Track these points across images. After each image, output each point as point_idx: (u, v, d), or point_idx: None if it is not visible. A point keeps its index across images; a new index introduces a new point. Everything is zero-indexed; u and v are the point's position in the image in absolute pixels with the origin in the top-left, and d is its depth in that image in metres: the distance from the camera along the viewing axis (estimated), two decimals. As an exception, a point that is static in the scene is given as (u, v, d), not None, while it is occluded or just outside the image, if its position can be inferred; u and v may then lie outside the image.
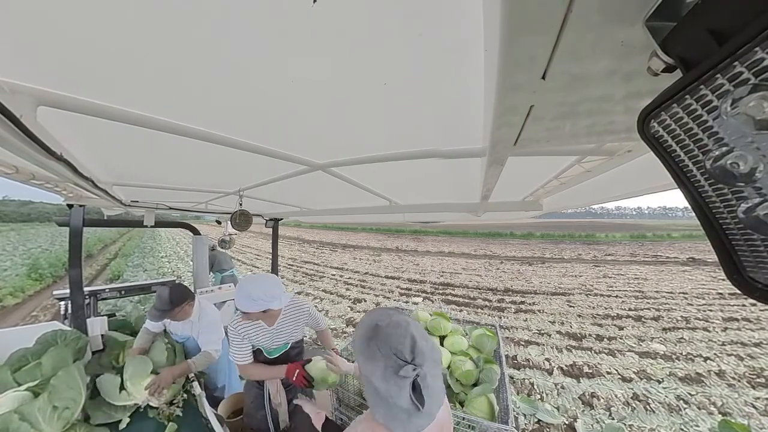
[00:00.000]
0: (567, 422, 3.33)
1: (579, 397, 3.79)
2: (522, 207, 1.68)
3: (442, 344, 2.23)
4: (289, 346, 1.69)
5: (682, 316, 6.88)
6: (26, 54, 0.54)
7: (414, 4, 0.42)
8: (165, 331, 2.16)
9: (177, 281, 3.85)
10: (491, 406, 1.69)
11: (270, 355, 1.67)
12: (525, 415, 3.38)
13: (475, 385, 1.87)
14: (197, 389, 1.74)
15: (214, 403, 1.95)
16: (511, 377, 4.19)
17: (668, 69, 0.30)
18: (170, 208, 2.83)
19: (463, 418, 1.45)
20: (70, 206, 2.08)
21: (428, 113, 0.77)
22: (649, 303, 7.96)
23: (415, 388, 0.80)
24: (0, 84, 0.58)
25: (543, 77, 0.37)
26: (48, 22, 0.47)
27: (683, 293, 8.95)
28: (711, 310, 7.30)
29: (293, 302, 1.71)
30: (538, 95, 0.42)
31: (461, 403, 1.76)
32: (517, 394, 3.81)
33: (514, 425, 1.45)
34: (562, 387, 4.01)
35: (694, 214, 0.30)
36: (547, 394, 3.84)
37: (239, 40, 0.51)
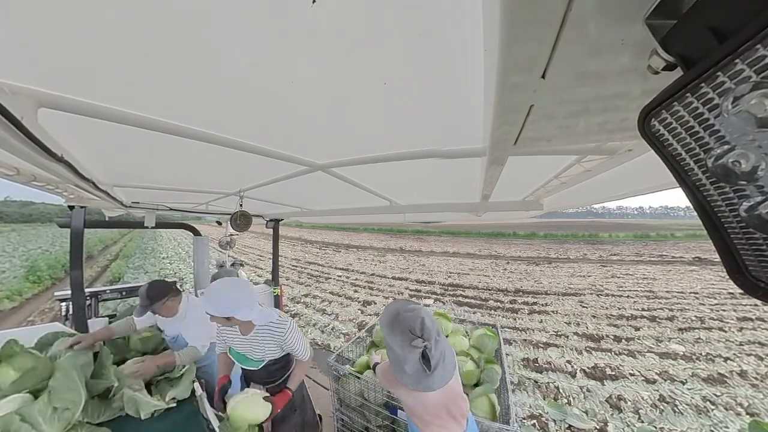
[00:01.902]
0: (598, 427, 3.27)
1: (606, 400, 3.74)
2: (523, 207, 1.68)
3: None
4: (265, 362, 1.65)
5: (696, 316, 6.86)
6: (27, 56, 0.54)
7: (414, 4, 0.42)
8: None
9: (177, 282, 3.86)
10: (492, 406, 1.69)
11: (246, 366, 1.68)
12: (555, 421, 3.31)
13: (476, 385, 1.87)
14: (198, 390, 1.74)
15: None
16: (535, 381, 4.15)
17: (669, 67, 0.30)
18: (171, 209, 2.83)
19: (465, 419, 1.44)
20: (71, 207, 2.08)
21: (428, 113, 0.77)
22: (661, 303, 7.94)
23: (425, 356, 1.10)
24: (1, 86, 0.58)
25: (543, 76, 0.37)
26: (49, 23, 0.47)
27: (694, 293, 8.92)
28: (724, 310, 7.27)
29: (277, 322, 1.62)
30: (539, 95, 0.41)
31: (462, 404, 1.75)
32: (544, 398, 3.75)
33: (516, 425, 1.44)
34: (588, 390, 3.96)
35: (695, 213, 0.29)
36: (573, 398, 3.79)
37: (239, 40, 0.51)
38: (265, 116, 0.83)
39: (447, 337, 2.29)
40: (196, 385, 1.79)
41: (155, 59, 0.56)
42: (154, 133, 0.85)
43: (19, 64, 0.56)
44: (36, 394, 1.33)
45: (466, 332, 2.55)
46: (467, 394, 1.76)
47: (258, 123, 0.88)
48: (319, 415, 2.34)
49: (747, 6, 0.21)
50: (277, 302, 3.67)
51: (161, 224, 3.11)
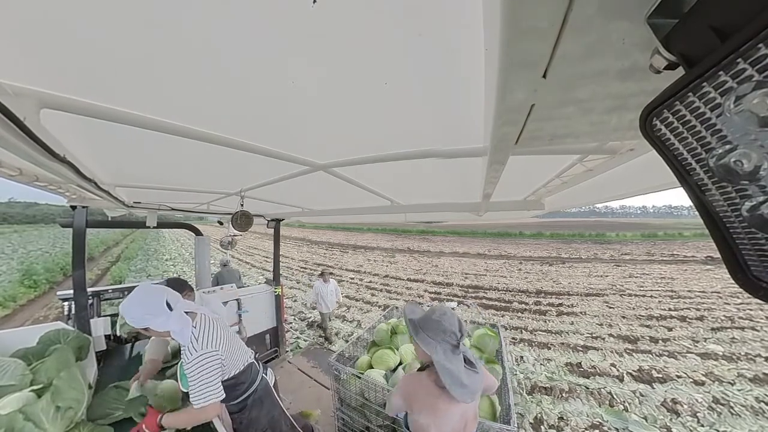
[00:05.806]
0: (662, 434, 3.14)
1: (662, 404, 3.66)
2: (524, 206, 1.68)
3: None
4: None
5: (725, 316, 6.78)
6: (30, 56, 0.55)
7: (414, 4, 0.42)
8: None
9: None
10: (493, 407, 1.69)
11: (183, 387, 1.44)
12: (617, 430, 3.19)
13: (477, 385, 1.86)
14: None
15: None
16: (586, 387, 4.05)
17: (670, 66, 0.30)
18: (172, 209, 2.84)
19: (466, 419, 1.44)
20: (74, 207, 2.09)
21: (429, 113, 0.77)
22: (686, 303, 7.85)
23: (466, 360, 1.11)
24: (4, 87, 0.58)
25: (544, 76, 0.37)
26: (51, 24, 0.47)
27: (716, 292, 8.81)
28: (751, 309, 7.20)
29: (188, 346, 1.31)
30: (539, 94, 0.41)
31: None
32: (599, 406, 3.66)
33: (516, 425, 1.44)
34: (641, 394, 3.87)
35: (698, 212, 0.29)
36: (629, 403, 3.69)
37: (240, 41, 0.51)
38: (266, 116, 0.84)
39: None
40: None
41: (156, 60, 0.56)
42: (156, 133, 0.85)
43: (21, 64, 0.56)
44: (39, 392, 1.34)
45: (468, 332, 2.54)
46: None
47: (259, 123, 0.88)
48: (312, 426, 2.22)
49: (748, 5, 0.20)
50: (278, 302, 3.68)
51: (163, 224, 3.12)
